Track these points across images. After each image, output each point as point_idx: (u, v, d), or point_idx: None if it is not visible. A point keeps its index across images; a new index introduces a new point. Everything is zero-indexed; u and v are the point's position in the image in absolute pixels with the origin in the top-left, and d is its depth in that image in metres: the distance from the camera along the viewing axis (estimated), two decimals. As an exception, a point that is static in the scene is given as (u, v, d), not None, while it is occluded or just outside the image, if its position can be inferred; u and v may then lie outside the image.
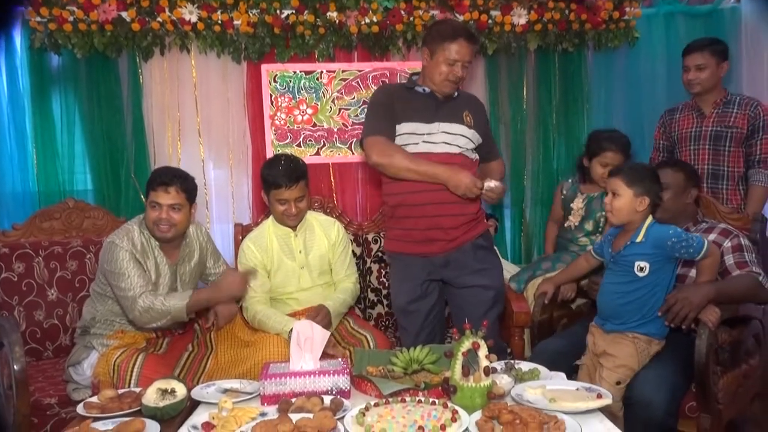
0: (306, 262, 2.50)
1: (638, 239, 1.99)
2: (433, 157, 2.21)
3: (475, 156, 2.34)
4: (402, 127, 2.24)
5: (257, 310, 2.38)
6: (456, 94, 2.32)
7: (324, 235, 2.55)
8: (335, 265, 2.57)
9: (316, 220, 2.58)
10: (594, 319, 2.15)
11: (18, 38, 2.90)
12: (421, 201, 2.22)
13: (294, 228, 2.50)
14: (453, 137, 2.25)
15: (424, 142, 2.24)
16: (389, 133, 2.23)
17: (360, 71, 3.14)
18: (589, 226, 2.72)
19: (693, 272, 2.11)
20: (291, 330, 2.20)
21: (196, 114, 3.10)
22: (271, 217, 2.56)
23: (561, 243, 2.87)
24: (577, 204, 2.76)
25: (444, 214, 2.23)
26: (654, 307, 2.00)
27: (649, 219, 2.02)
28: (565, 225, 2.81)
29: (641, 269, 1.99)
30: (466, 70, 2.24)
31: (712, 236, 2.16)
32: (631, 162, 2.36)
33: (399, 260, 2.39)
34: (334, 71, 3.12)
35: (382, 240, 2.92)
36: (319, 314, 2.33)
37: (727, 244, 2.14)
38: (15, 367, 1.98)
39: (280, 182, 2.37)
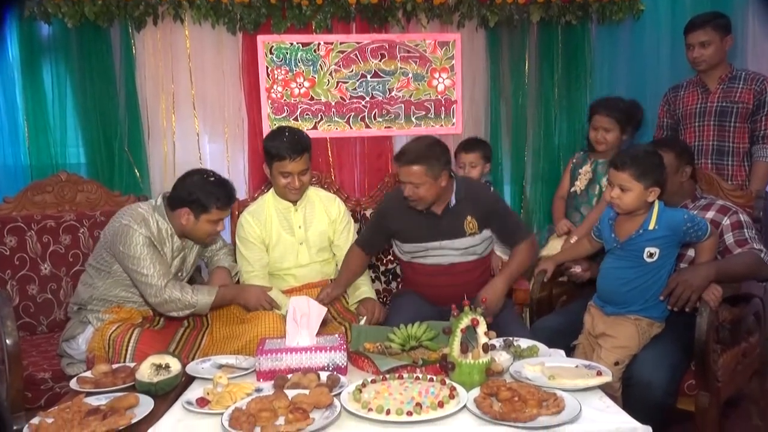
0: (305, 237, 2.47)
1: (650, 227, 1.93)
2: (441, 269, 2.34)
3: (483, 252, 2.39)
4: (406, 246, 2.38)
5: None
6: (453, 202, 2.31)
7: (324, 211, 2.52)
8: (338, 241, 2.54)
9: (317, 195, 2.55)
10: (593, 298, 2.12)
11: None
12: (425, 283, 2.39)
13: (295, 203, 2.47)
14: (457, 251, 2.33)
15: (430, 256, 2.35)
16: (371, 246, 2.48)
17: (358, 43, 3.07)
18: (594, 190, 2.67)
19: (691, 251, 2.09)
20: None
21: (191, 86, 3.03)
22: (271, 190, 2.52)
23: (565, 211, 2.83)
24: (585, 169, 2.72)
25: (448, 292, 2.29)
26: (657, 291, 1.97)
27: (657, 204, 1.96)
28: (571, 190, 2.77)
29: (651, 255, 1.94)
30: (419, 189, 2.23)
31: (710, 213, 2.13)
32: (633, 146, 2.24)
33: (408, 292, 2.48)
34: (331, 43, 3.05)
35: (380, 216, 2.89)
36: (375, 308, 2.36)
37: (726, 221, 2.10)
38: (7, 341, 1.96)
39: (284, 154, 2.32)
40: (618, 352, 1.95)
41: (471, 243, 2.33)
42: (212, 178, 2.19)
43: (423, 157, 2.20)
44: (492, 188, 2.63)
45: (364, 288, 2.46)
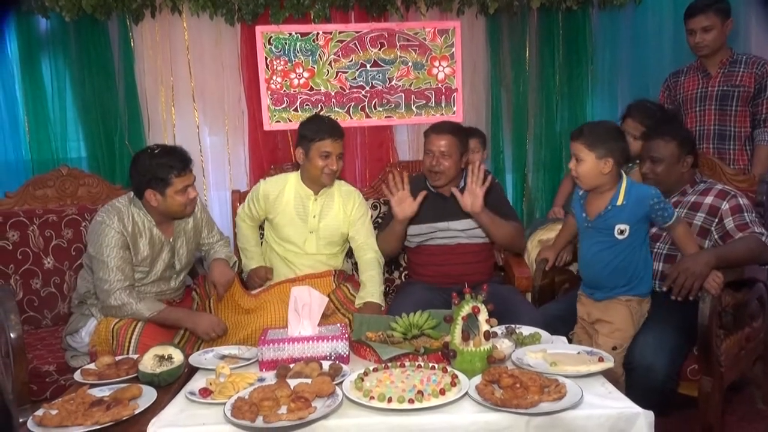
0: (317, 227, 2.45)
1: (619, 202, 1.93)
2: (447, 249, 2.44)
3: (486, 236, 2.46)
4: (415, 229, 2.46)
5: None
6: (462, 185, 2.42)
7: (342, 207, 2.48)
8: (355, 233, 2.49)
9: (338, 189, 2.51)
10: (581, 287, 2.12)
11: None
12: (431, 263, 2.47)
13: (317, 191, 2.45)
14: (461, 232, 2.44)
15: (438, 237, 2.45)
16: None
17: (357, 32, 3.06)
18: None
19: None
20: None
21: (190, 78, 3.03)
22: (296, 173, 2.50)
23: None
24: None
25: (453, 271, 2.42)
26: (637, 267, 1.98)
27: (624, 179, 1.96)
28: None
29: (621, 232, 1.94)
30: (446, 161, 2.37)
31: (708, 198, 2.13)
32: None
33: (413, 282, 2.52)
34: (330, 33, 3.04)
35: (382, 206, 2.89)
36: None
37: (725, 206, 2.09)
38: (11, 335, 1.96)
39: (325, 135, 2.33)
40: (615, 337, 1.95)
41: (473, 224, 2.42)
42: (158, 150, 2.14)
43: (457, 130, 2.42)
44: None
45: (368, 288, 2.38)
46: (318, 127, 2.36)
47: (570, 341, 2.07)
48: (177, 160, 2.12)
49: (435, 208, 2.45)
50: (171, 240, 2.27)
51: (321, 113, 3.05)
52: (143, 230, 2.18)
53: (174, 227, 2.29)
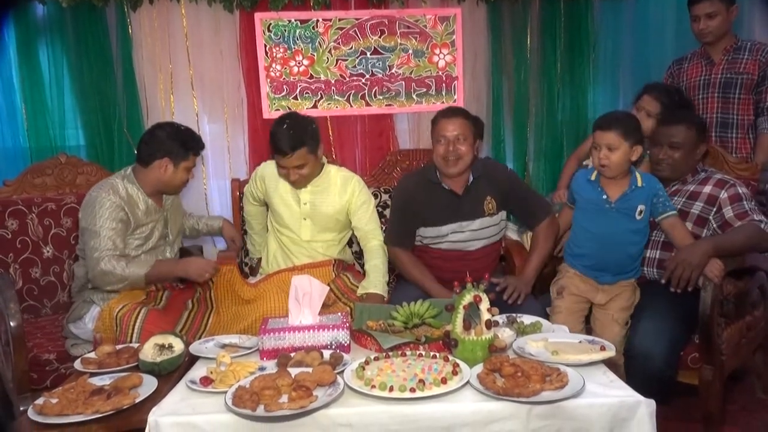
0: (309, 214, 2.43)
1: (639, 183, 2.05)
2: (457, 254, 2.32)
3: (496, 234, 2.37)
4: (425, 231, 2.34)
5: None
6: (471, 179, 2.29)
7: (338, 194, 2.43)
8: (356, 220, 2.45)
9: (337, 175, 2.45)
10: (570, 263, 2.19)
11: (0, -13, 2.79)
12: (437, 266, 2.36)
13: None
14: (475, 232, 2.32)
15: (448, 241, 2.32)
16: (408, 240, 2.38)
17: (357, 20, 3.02)
18: None
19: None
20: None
21: (189, 66, 3.00)
22: None
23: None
24: None
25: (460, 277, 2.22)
26: (642, 251, 2.15)
27: (632, 167, 2.10)
28: (584, 163, 2.74)
29: (640, 212, 2.05)
30: (462, 145, 2.21)
31: (707, 188, 2.13)
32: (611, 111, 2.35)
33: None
34: (330, 20, 3.01)
35: (383, 195, 2.87)
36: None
37: (724, 195, 2.10)
38: (11, 323, 1.96)
39: (275, 148, 2.28)
40: (625, 313, 2.09)
41: (489, 223, 2.33)
42: (183, 128, 2.31)
43: (467, 113, 2.30)
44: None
45: (371, 279, 2.35)
46: (273, 137, 2.29)
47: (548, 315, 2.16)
48: (197, 142, 2.32)
49: (447, 207, 2.30)
50: (162, 210, 2.33)
51: (320, 102, 3.04)
52: (138, 202, 2.23)
53: (163, 200, 2.35)
